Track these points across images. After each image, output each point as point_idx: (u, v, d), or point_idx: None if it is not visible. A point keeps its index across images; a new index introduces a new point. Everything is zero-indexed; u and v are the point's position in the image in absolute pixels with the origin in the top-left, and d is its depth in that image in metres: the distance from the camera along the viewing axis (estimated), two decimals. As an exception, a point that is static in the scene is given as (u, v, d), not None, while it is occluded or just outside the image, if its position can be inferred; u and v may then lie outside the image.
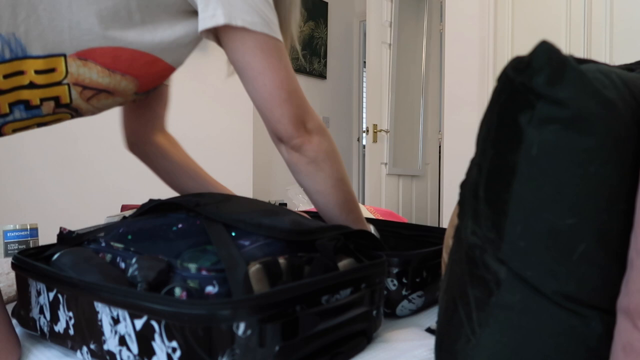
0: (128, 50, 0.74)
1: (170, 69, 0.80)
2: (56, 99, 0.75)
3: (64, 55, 0.71)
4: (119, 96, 0.80)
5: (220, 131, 3.10)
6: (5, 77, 0.69)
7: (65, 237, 0.73)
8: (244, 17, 0.72)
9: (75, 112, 0.79)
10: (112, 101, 0.80)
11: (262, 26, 0.73)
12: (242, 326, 0.51)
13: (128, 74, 0.76)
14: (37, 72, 0.71)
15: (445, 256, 0.76)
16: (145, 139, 1.02)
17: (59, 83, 0.73)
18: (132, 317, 0.55)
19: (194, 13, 0.77)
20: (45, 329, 0.67)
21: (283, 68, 0.75)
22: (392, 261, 0.80)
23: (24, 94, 0.72)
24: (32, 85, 0.71)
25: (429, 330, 0.77)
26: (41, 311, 0.67)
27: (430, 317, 0.85)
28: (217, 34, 0.76)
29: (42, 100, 0.74)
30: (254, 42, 0.73)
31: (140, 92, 0.81)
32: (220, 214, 0.66)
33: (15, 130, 0.77)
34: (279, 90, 0.74)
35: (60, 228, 0.74)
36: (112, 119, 2.56)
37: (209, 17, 0.72)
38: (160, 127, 1.04)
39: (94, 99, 0.78)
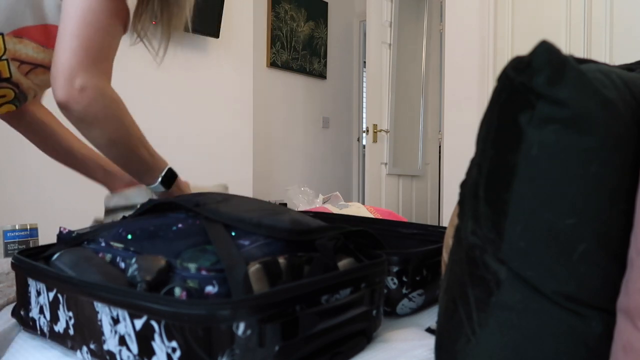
0: (56, 27, 0.78)
1: None
2: None
3: (2, 34, 0.77)
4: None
5: (220, 131, 3.10)
6: None
7: (65, 237, 0.73)
8: None
9: (17, 89, 0.84)
10: (48, 76, 0.82)
11: None
12: (241, 326, 0.51)
13: None
14: None
15: (445, 256, 0.76)
16: (23, 109, 1.03)
17: None
18: (132, 317, 0.55)
19: None
20: (45, 329, 0.67)
21: (87, 20, 0.73)
22: (392, 260, 0.80)
23: None
24: None
25: (429, 330, 0.77)
26: (41, 311, 0.67)
27: (430, 317, 0.85)
28: None
29: None
30: None
31: None
32: (220, 213, 0.66)
33: None
34: (70, 37, 0.73)
35: (60, 228, 0.74)
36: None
37: None
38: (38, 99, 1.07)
39: (31, 74, 0.83)
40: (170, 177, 0.91)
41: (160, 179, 0.90)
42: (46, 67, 0.82)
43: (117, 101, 0.80)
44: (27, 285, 0.70)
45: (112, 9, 0.76)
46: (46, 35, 0.79)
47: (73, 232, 0.72)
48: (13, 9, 0.76)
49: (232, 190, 1.18)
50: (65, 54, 0.73)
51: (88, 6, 0.73)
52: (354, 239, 0.74)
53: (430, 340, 0.71)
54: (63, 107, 0.75)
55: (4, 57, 0.78)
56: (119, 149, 0.82)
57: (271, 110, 3.91)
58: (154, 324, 0.53)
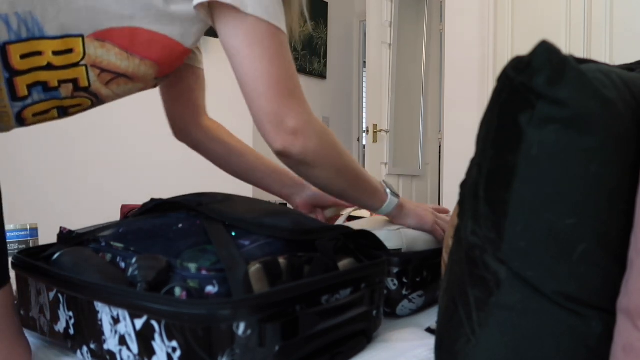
0: (145, 31, 0.72)
1: (186, 52, 0.78)
2: (74, 81, 0.73)
3: (82, 36, 0.70)
4: (139, 82, 0.78)
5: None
6: (23, 57, 0.68)
7: (66, 237, 0.73)
8: (264, 8, 0.68)
9: (95, 98, 0.78)
10: (132, 87, 0.79)
11: (260, 11, 0.69)
12: (242, 326, 0.51)
13: (147, 58, 0.75)
14: (54, 53, 0.70)
15: (445, 256, 0.76)
16: (192, 124, 1.01)
17: (76, 64, 0.72)
18: (132, 316, 0.55)
19: None
20: (46, 329, 0.67)
21: (268, 57, 0.69)
22: (392, 261, 0.80)
23: (42, 75, 0.71)
24: (49, 67, 0.70)
25: (429, 330, 0.77)
26: (41, 311, 0.67)
27: (430, 317, 0.85)
28: (212, 14, 0.72)
29: (60, 82, 0.73)
30: (247, 26, 0.69)
31: (159, 76, 0.80)
32: (222, 213, 0.66)
33: (35, 115, 0.75)
34: (258, 81, 0.69)
35: (61, 228, 0.74)
36: (111, 120, 2.56)
37: None
38: (204, 111, 1.02)
39: (112, 84, 0.77)
40: (390, 186, 0.87)
41: (389, 194, 0.85)
42: (129, 78, 0.76)
43: (327, 130, 0.75)
44: (28, 285, 0.70)
45: (279, 35, 0.72)
46: (132, 39, 0.72)
47: (73, 231, 0.72)
48: (94, 8, 0.69)
49: (232, 191, 1.18)
50: (261, 99, 0.69)
51: (258, 41, 0.69)
52: (355, 239, 0.74)
53: (430, 340, 0.71)
54: (282, 155, 0.72)
55: (82, 63, 0.72)
56: (345, 179, 0.78)
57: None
58: (154, 323, 0.53)
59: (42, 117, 0.77)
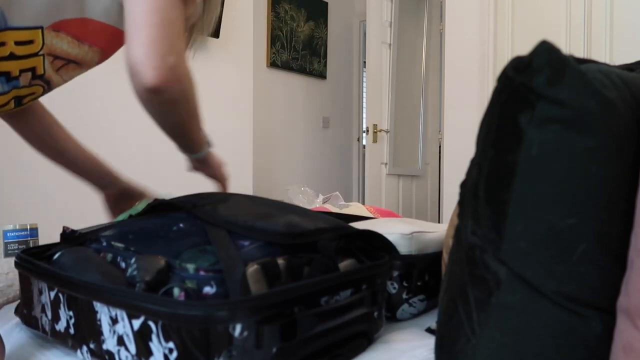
0: (96, 22, 0.78)
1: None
2: (33, 70, 0.78)
3: (42, 28, 0.75)
4: (84, 67, 0.84)
5: (220, 131, 3.10)
6: None
7: (69, 236, 0.73)
8: None
9: (47, 85, 0.83)
10: (78, 72, 0.85)
11: None
12: (238, 327, 0.51)
13: (95, 45, 0.81)
14: (17, 43, 0.74)
15: (445, 256, 0.76)
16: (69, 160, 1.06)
17: (35, 54, 0.77)
18: (130, 317, 0.55)
19: None
20: (47, 328, 0.67)
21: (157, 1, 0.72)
22: (394, 264, 0.79)
23: (4, 65, 0.75)
24: (12, 56, 0.75)
25: (429, 330, 0.77)
26: (43, 310, 0.67)
27: (431, 317, 0.85)
28: None
29: (21, 71, 0.77)
30: None
31: (100, 62, 0.85)
32: (215, 215, 0.66)
33: None
34: (147, 14, 0.71)
35: (64, 227, 0.74)
36: (112, 119, 2.56)
37: None
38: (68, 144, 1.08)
39: (62, 70, 0.82)
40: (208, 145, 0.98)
41: (207, 146, 0.97)
42: (77, 63, 0.82)
43: (191, 75, 0.80)
44: (30, 284, 0.70)
45: None
46: (83, 29, 0.78)
47: (76, 231, 0.73)
48: (55, 1, 0.74)
49: (232, 190, 1.18)
50: (148, 39, 0.70)
51: None
52: (357, 240, 0.74)
53: (430, 340, 0.71)
54: (155, 91, 0.72)
55: (40, 52, 0.77)
56: (189, 123, 0.84)
57: (271, 110, 3.91)
58: (152, 324, 0.53)
59: (2, 109, 0.81)
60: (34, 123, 1.05)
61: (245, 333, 0.51)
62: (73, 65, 0.82)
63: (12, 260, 1.02)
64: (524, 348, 0.49)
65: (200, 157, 1.00)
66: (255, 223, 0.63)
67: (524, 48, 2.53)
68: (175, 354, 0.51)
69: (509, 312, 0.50)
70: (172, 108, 0.78)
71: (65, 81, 0.85)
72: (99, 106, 2.47)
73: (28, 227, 1.23)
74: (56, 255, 0.67)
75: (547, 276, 0.48)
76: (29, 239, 1.22)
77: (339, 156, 4.55)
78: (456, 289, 0.54)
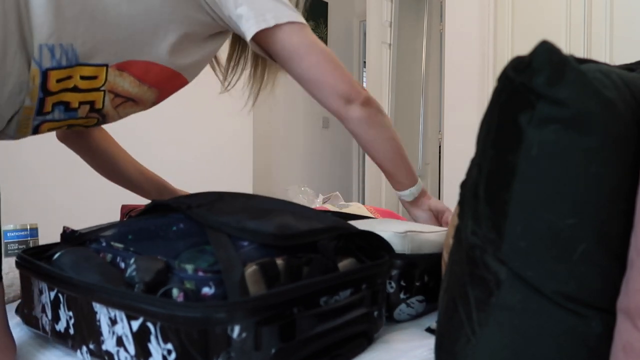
0: (159, 66, 0.83)
1: (185, 83, 0.90)
2: (92, 103, 0.83)
3: (107, 65, 0.80)
4: (141, 105, 0.89)
5: (220, 131, 3.10)
6: (58, 81, 0.77)
7: (69, 237, 0.73)
8: (284, 13, 0.81)
9: (102, 118, 0.88)
10: (134, 109, 0.90)
11: (296, 16, 0.82)
12: (237, 329, 0.50)
13: (154, 87, 0.86)
14: (82, 77, 0.79)
15: (445, 256, 0.76)
16: (87, 133, 1.10)
17: (97, 89, 0.81)
18: (129, 318, 0.54)
19: (221, 33, 0.88)
20: (47, 328, 0.67)
21: (320, 44, 0.84)
22: (393, 263, 0.79)
23: (67, 96, 0.80)
24: (75, 89, 0.79)
25: (429, 330, 0.77)
26: (43, 310, 0.67)
27: (431, 317, 0.85)
28: (258, 40, 0.82)
29: (81, 103, 0.82)
30: (292, 31, 0.81)
31: (157, 103, 0.91)
32: (206, 217, 0.65)
33: (50, 129, 0.85)
34: (333, 62, 0.84)
35: (64, 227, 0.74)
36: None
37: (255, 23, 0.79)
38: (129, 163, 1.16)
39: (121, 107, 0.87)
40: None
41: (419, 181, 0.97)
42: (135, 102, 0.87)
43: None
44: (31, 284, 0.70)
45: (307, 26, 0.85)
46: (146, 71, 0.83)
47: (77, 231, 0.73)
48: (123, 43, 0.79)
49: (232, 190, 1.18)
50: (335, 71, 0.84)
51: (313, 39, 0.83)
52: (357, 240, 0.74)
53: (430, 340, 0.71)
54: (365, 105, 0.87)
55: (102, 88, 0.82)
56: (393, 146, 0.92)
57: (271, 110, 3.91)
58: (150, 325, 0.53)
59: (54, 130, 0.86)
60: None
61: (244, 334, 0.51)
62: (131, 103, 0.87)
63: (12, 260, 1.02)
64: (524, 348, 0.49)
65: (415, 195, 0.98)
66: (247, 224, 0.63)
67: (524, 48, 2.52)
68: (173, 355, 0.51)
69: (509, 312, 0.50)
70: (385, 128, 0.89)
71: (120, 117, 0.90)
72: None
73: (28, 227, 1.23)
74: (56, 256, 0.67)
75: (547, 276, 0.48)
76: (29, 239, 1.22)
77: (339, 156, 4.55)
78: (456, 289, 0.54)
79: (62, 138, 1.12)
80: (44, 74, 0.75)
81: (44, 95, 0.77)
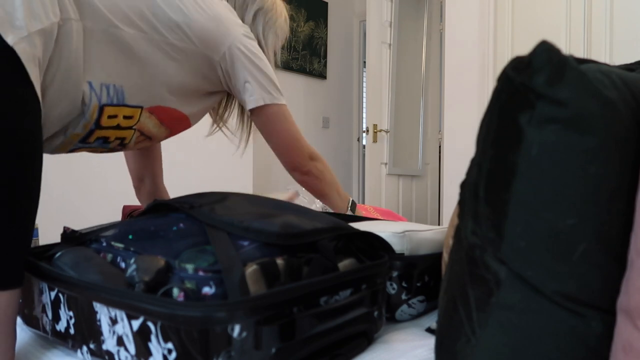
0: (177, 112, 0.99)
1: (189, 126, 1.06)
2: (122, 139, 0.96)
3: (142, 108, 0.92)
4: (154, 141, 1.03)
5: (220, 132, 3.10)
6: (109, 117, 0.88)
7: (69, 237, 0.73)
8: (277, 95, 1.06)
9: (122, 148, 1.01)
10: (147, 144, 1.04)
11: (282, 99, 1.08)
12: (237, 328, 0.50)
13: (169, 127, 1.01)
14: (124, 117, 0.90)
15: (445, 256, 0.76)
16: (152, 181, 1.29)
17: (131, 127, 0.93)
18: (129, 317, 0.54)
19: (221, 92, 1.07)
20: (48, 328, 0.67)
21: (293, 123, 1.12)
22: (393, 264, 0.79)
23: (109, 132, 0.91)
24: (117, 127, 0.91)
25: (429, 330, 0.77)
26: (43, 310, 0.67)
27: (431, 317, 0.85)
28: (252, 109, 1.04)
29: (116, 138, 0.94)
30: (278, 110, 1.08)
31: (164, 139, 1.06)
32: (212, 216, 0.66)
33: (80, 151, 0.97)
34: (295, 139, 1.11)
35: (64, 227, 0.74)
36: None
37: (255, 99, 1.03)
38: (162, 174, 1.32)
39: (140, 143, 1.01)
40: (353, 207, 1.23)
41: (349, 208, 1.22)
42: (151, 139, 1.01)
43: (328, 167, 1.17)
44: (31, 284, 0.70)
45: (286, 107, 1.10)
46: (167, 115, 0.97)
47: (77, 231, 0.73)
48: (152, 91, 0.92)
49: (233, 190, 1.20)
50: (297, 146, 1.11)
51: (285, 116, 1.10)
52: (357, 240, 0.74)
53: (430, 340, 0.71)
54: (306, 174, 1.13)
55: (134, 127, 0.94)
56: (329, 191, 1.18)
57: (271, 110, 3.90)
58: (151, 325, 0.53)
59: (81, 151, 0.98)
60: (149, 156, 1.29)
61: (244, 334, 0.51)
62: (148, 140, 1.01)
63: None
64: (524, 348, 0.49)
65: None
66: (251, 224, 0.63)
67: (524, 48, 2.53)
68: (174, 354, 0.51)
69: (509, 312, 0.50)
70: (317, 189, 1.15)
71: (132, 149, 1.04)
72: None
73: (28, 227, 1.22)
74: (57, 256, 0.67)
75: (547, 276, 0.48)
76: (29, 239, 1.21)
77: (339, 156, 4.55)
78: (456, 288, 0.54)
79: (137, 188, 1.31)
80: (101, 109, 0.86)
81: (95, 128, 0.88)
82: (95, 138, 0.91)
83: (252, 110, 1.06)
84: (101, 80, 0.84)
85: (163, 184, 1.35)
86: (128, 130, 0.94)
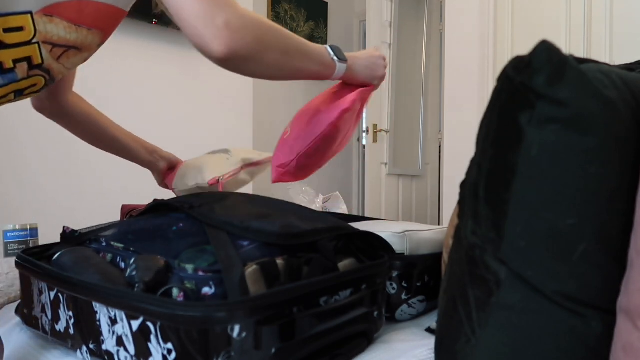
0: (91, 3, 0.74)
1: (124, 15, 0.80)
2: (28, 60, 0.75)
3: (30, 13, 0.71)
4: (85, 51, 0.80)
5: (220, 131, 3.10)
6: None
7: (69, 236, 0.73)
8: None
9: (48, 75, 0.79)
10: (80, 57, 0.81)
11: None
12: (237, 328, 0.50)
13: (94, 27, 0.77)
14: (5, 30, 0.70)
15: (445, 256, 0.76)
16: (60, 98, 1.07)
17: (29, 42, 0.73)
18: (129, 317, 0.54)
19: None
20: (47, 328, 0.67)
21: None
22: (393, 264, 0.79)
23: None
24: (2, 45, 0.71)
25: (429, 330, 0.77)
26: (43, 310, 0.67)
27: (431, 317, 0.85)
28: None
29: (15, 62, 0.74)
30: None
31: (101, 44, 0.82)
32: (212, 216, 0.66)
33: None
34: None
35: (64, 227, 0.74)
36: (112, 120, 2.56)
37: None
38: (72, 86, 1.10)
39: (63, 57, 0.78)
40: (337, 50, 0.86)
41: (337, 62, 0.85)
42: (78, 49, 0.78)
43: (258, 17, 0.73)
44: (30, 284, 0.70)
45: None
46: (79, 11, 0.74)
47: (77, 231, 0.72)
48: None
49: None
50: (191, 5, 0.68)
51: None
52: (357, 241, 0.74)
53: (430, 340, 0.71)
54: (221, 59, 0.69)
55: (34, 40, 0.73)
56: (292, 57, 0.77)
57: (271, 110, 3.91)
58: (150, 325, 0.53)
59: (1, 101, 0.78)
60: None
61: (244, 334, 0.51)
62: (74, 52, 0.79)
63: (12, 260, 1.02)
64: (524, 348, 0.49)
65: (342, 78, 0.89)
66: (251, 224, 0.63)
67: (524, 48, 2.53)
68: (174, 354, 0.51)
69: (509, 312, 0.50)
70: (254, 64, 0.72)
71: (67, 69, 0.82)
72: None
73: (28, 227, 1.23)
74: (56, 255, 0.67)
75: (547, 276, 0.48)
76: (29, 239, 1.22)
77: (339, 156, 4.55)
78: (456, 288, 0.54)
79: (39, 108, 1.09)
80: None
81: None
82: None
83: None
84: None
85: (71, 97, 1.10)
86: (27, 47, 0.73)
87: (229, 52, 0.68)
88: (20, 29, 0.71)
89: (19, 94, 0.80)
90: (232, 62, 0.70)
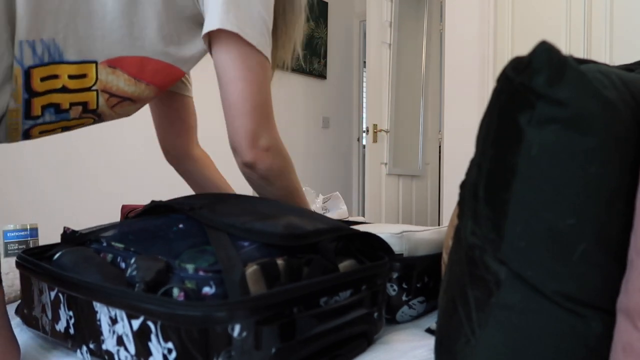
0: (153, 61, 0.78)
1: (182, 75, 0.85)
2: (84, 104, 0.78)
3: (95, 62, 0.75)
4: (139, 103, 0.85)
5: (221, 131, 3.11)
6: (42, 79, 0.73)
7: (69, 237, 0.73)
8: (239, 24, 0.74)
9: (98, 118, 0.83)
10: (133, 107, 0.85)
11: (252, 38, 0.75)
12: (237, 328, 0.50)
13: (152, 83, 0.81)
14: (70, 76, 0.75)
15: (445, 256, 0.76)
16: (184, 152, 1.11)
17: (88, 89, 0.77)
18: (129, 317, 0.55)
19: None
20: (47, 328, 0.67)
21: (257, 82, 0.76)
22: (393, 265, 0.79)
23: (55, 97, 0.75)
24: (64, 90, 0.75)
25: (428, 330, 0.77)
26: (43, 310, 0.67)
27: (431, 318, 0.85)
28: (211, 39, 0.78)
29: (72, 104, 0.77)
30: (238, 50, 0.75)
31: (155, 97, 0.88)
32: (213, 217, 0.66)
33: (41, 133, 0.81)
34: (244, 101, 0.75)
35: (64, 227, 0.74)
36: (112, 121, 2.56)
37: (210, 21, 0.75)
38: (195, 140, 1.13)
39: (117, 107, 0.82)
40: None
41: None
42: (133, 101, 0.82)
43: (289, 156, 0.84)
44: (31, 284, 0.70)
45: (267, 65, 0.78)
46: (141, 68, 0.78)
47: (77, 231, 0.73)
48: (110, 37, 0.74)
49: (233, 191, 1.19)
50: (244, 118, 0.76)
51: (250, 66, 0.76)
52: (357, 242, 0.74)
53: (430, 340, 0.71)
54: (249, 166, 0.78)
55: (94, 88, 0.77)
56: (294, 198, 0.87)
57: (271, 110, 3.91)
58: (151, 324, 0.53)
59: (47, 133, 0.82)
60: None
61: (244, 334, 0.51)
62: (128, 102, 0.82)
63: (12, 260, 1.02)
64: (524, 348, 0.49)
65: None
66: (253, 225, 0.63)
67: (524, 48, 2.53)
68: (174, 354, 0.51)
69: (509, 312, 0.50)
70: (269, 183, 0.82)
71: (119, 115, 0.85)
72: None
73: (28, 227, 1.23)
74: (56, 256, 0.67)
75: (547, 276, 0.48)
76: (29, 239, 1.22)
77: (339, 156, 4.55)
78: (456, 289, 0.54)
79: (169, 159, 1.14)
80: (27, 73, 0.71)
81: (29, 97, 0.73)
82: (40, 109, 0.75)
83: (207, 40, 0.78)
84: (20, 37, 0.69)
85: (196, 149, 1.13)
86: (86, 93, 0.76)
87: (255, 165, 0.78)
88: (83, 75, 0.75)
89: (65, 129, 0.83)
90: (252, 172, 0.80)
